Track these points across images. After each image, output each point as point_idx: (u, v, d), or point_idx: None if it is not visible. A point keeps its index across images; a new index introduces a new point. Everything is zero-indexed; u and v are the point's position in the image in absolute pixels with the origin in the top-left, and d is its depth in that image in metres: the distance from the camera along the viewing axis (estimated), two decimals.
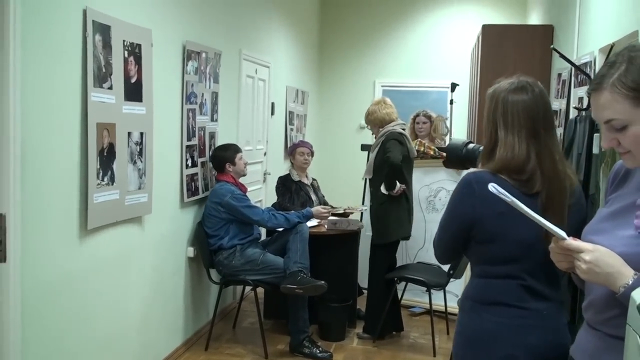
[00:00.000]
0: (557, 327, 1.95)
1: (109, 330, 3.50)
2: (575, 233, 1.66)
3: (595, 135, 2.83)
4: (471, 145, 2.43)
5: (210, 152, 4.80)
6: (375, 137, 4.98)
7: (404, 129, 4.92)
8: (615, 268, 1.47)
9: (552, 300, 1.95)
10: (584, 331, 1.67)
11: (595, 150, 2.79)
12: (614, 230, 1.58)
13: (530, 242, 1.86)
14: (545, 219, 1.61)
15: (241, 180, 4.80)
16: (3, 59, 2.55)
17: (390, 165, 4.65)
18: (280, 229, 4.72)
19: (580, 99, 4.53)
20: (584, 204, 1.98)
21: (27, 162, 2.71)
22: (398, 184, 4.71)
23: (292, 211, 4.79)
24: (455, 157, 2.51)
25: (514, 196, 1.61)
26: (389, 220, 4.80)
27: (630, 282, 1.44)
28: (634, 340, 1.29)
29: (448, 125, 6.59)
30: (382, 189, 4.76)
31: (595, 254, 1.49)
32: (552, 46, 3.71)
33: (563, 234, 1.55)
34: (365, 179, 5.42)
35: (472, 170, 2.04)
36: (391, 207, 4.80)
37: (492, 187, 1.59)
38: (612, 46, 3.15)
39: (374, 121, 4.94)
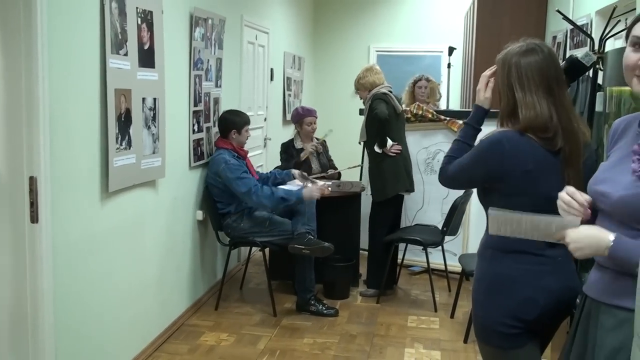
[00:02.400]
0: (570, 272, 2.12)
1: (129, 289, 3.64)
2: None
3: (598, 94, 2.97)
4: None
5: (220, 114, 4.86)
6: (364, 102, 5.14)
7: (390, 91, 5.05)
8: (593, 236, 1.68)
9: (565, 247, 2.10)
10: (596, 270, 1.84)
11: (598, 108, 2.93)
12: (615, 177, 1.76)
13: (552, 196, 2.00)
14: (566, 173, 1.91)
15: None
16: (32, 28, 2.63)
17: (379, 120, 4.80)
18: (272, 199, 4.51)
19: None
20: (594, 157, 2.12)
21: (55, 128, 2.81)
22: (390, 141, 4.87)
23: (285, 187, 4.76)
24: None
25: (540, 154, 1.88)
26: (385, 176, 4.96)
27: (612, 241, 1.63)
28: None
29: (441, 90, 6.74)
30: (376, 147, 4.90)
31: (572, 233, 1.71)
32: (557, 9, 3.82)
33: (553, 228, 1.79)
34: (363, 144, 5.53)
35: (499, 129, 2.15)
36: (386, 163, 4.95)
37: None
38: (614, 8, 3.28)
39: (365, 85, 5.06)
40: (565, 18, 3.61)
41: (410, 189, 5.12)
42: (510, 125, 2.11)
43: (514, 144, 2.00)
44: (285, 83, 7.30)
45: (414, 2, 8.87)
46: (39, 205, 2.73)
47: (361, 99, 5.22)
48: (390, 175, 4.96)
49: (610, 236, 1.65)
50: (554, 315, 2.12)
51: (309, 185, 4.86)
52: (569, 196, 1.77)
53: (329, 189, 5.15)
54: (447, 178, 2.28)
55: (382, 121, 4.79)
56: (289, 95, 7.48)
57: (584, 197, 1.77)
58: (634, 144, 1.74)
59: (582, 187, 1.98)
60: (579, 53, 3.02)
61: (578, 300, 2.00)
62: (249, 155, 4.94)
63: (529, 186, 2.05)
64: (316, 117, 5.58)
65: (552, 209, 2.04)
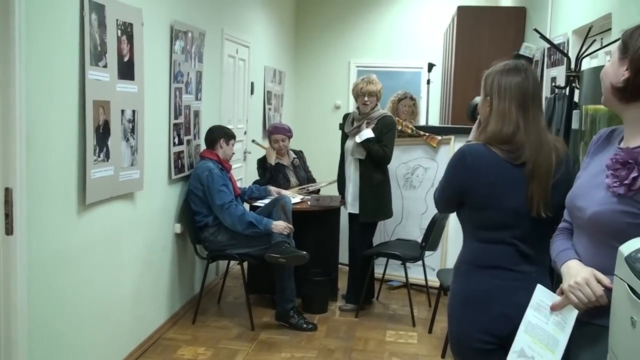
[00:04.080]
0: None
1: (105, 302, 3.60)
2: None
3: (575, 112, 3.02)
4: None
5: (200, 127, 4.88)
6: (365, 110, 4.96)
7: None
8: (579, 275, 1.72)
9: (540, 263, 2.12)
10: None
11: (574, 125, 2.97)
12: (590, 192, 1.77)
13: (520, 211, 2.04)
14: (530, 188, 2.00)
15: None
16: (9, 38, 2.62)
17: (380, 162, 4.90)
18: (241, 220, 4.55)
19: (554, 79, 4.72)
20: (573, 172, 2.13)
21: (32, 138, 2.79)
22: None
23: (257, 214, 4.73)
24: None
25: (503, 167, 1.97)
26: (378, 202, 5.00)
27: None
28: (622, 288, 1.46)
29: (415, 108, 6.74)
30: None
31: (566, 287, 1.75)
32: (534, 28, 3.88)
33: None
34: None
35: (468, 142, 2.20)
36: (382, 190, 5.01)
37: None
38: (590, 28, 3.34)
39: (378, 95, 4.99)
40: (543, 37, 3.67)
41: (390, 215, 5.23)
42: (479, 138, 2.16)
43: (476, 157, 2.05)
44: (266, 97, 7.31)
45: (395, 18, 8.95)
46: (14, 217, 2.70)
47: (368, 104, 4.94)
48: (383, 202, 5.04)
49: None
50: None
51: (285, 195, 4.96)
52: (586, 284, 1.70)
53: (309, 202, 5.16)
54: (436, 204, 2.34)
55: (384, 162, 4.94)
56: (269, 109, 7.49)
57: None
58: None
59: (549, 204, 2.01)
60: (522, 48, 3.30)
61: None
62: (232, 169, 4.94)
63: (494, 200, 2.08)
64: (286, 136, 5.46)
65: (518, 224, 2.07)
